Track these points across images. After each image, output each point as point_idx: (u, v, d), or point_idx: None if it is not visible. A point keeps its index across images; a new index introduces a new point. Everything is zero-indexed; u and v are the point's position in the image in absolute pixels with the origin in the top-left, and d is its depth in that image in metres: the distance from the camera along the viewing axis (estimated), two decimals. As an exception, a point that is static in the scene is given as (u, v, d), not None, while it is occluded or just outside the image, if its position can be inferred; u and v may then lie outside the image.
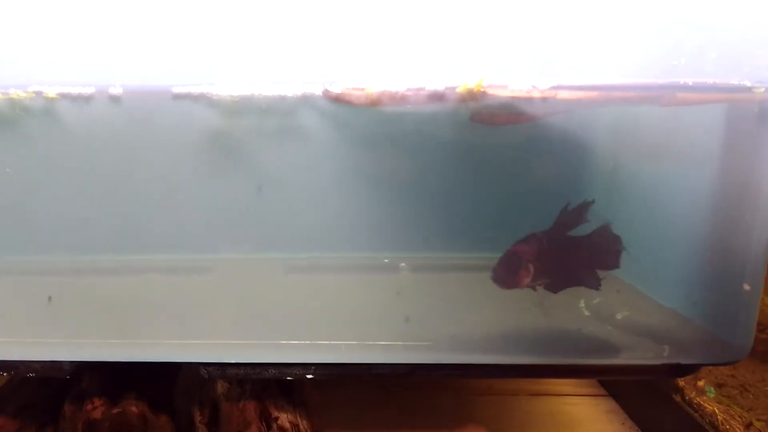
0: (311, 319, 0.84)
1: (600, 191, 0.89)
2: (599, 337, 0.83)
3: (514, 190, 0.91)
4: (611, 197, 0.89)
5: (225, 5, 0.74)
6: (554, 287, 0.81)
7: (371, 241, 0.93)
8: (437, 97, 0.74)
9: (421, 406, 1.10)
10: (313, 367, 0.81)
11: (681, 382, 1.05)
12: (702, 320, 0.82)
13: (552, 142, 0.85)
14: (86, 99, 0.73)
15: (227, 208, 0.87)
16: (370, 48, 0.76)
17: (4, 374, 0.87)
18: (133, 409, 0.85)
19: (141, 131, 0.78)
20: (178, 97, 0.73)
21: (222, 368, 0.81)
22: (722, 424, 0.97)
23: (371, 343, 0.80)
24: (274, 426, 0.81)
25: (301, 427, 0.83)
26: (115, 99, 0.73)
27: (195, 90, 0.73)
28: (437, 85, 0.73)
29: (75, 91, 0.73)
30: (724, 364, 0.85)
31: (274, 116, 0.76)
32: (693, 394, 1.04)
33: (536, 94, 0.73)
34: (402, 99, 0.74)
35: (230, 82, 0.73)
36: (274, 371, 0.81)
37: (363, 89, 0.73)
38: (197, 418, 0.90)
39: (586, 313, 0.84)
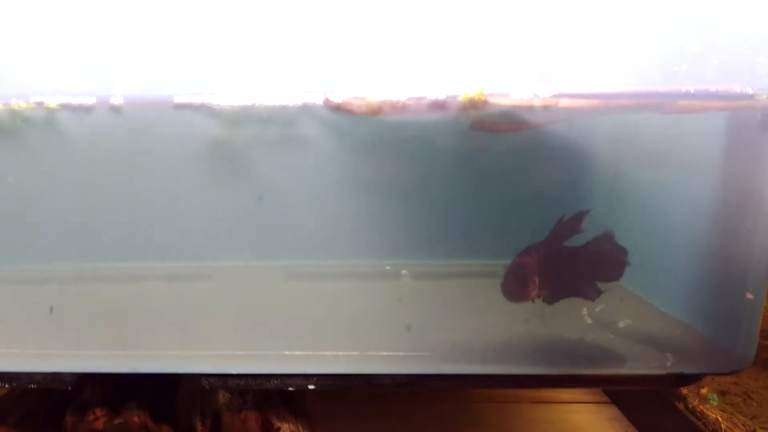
0: (313, 328, 0.84)
1: (601, 199, 0.89)
2: (602, 346, 0.83)
3: (515, 197, 0.91)
4: (612, 205, 0.89)
5: (225, 15, 0.74)
6: (551, 298, 0.81)
7: (373, 248, 0.93)
8: (438, 105, 0.73)
9: (422, 414, 1.10)
10: (314, 378, 0.80)
11: (684, 389, 1.05)
12: (705, 329, 0.81)
13: (553, 150, 0.84)
14: (87, 109, 0.73)
15: (228, 216, 0.87)
16: (371, 57, 0.76)
17: (5, 386, 0.87)
18: (135, 419, 0.85)
19: (142, 141, 0.78)
20: (179, 107, 0.73)
21: (224, 379, 0.81)
22: (726, 432, 0.97)
23: (372, 353, 0.80)
24: (276, 436, 0.81)
25: (302, 437, 0.83)
26: (116, 109, 0.73)
27: (196, 100, 0.73)
28: (438, 93, 0.73)
29: (76, 101, 0.73)
30: (728, 374, 0.84)
31: (275, 126, 0.76)
32: (696, 402, 1.04)
33: (537, 103, 0.73)
34: (403, 108, 0.74)
35: (231, 92, 0.73)
36: (276, 382, 0.81)
37: (364, 98, 0.73)
38: (199, 428, 0.90)
39: (589, 321, 0.84)
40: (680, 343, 0.82)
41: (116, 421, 0.84)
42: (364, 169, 0.84)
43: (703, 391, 1.06)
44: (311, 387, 0.81)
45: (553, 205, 0.87)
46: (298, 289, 0.92)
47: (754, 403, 1.08)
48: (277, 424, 0.84)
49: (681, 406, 1.04)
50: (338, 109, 0.73)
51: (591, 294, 0.80)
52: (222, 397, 0.90)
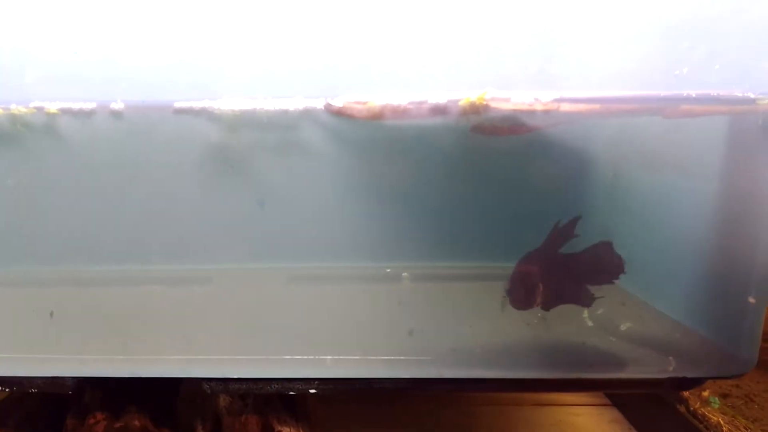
0: (313, 332, 0.84)
1: (602, 202, 0.89)
2: (603, 349, 0.83)
3: (516, 200, 0.91)
4: (614, 208, 0.89)
5: (226, 20, 0.74)
6: (547, 304, 0.81)
7: (373, 251, 0.92)
8: (439, 110, 0.73)
9: (424, 417, 1.10)
10: (315, 382, 0.80)
11: (685, 392, 1.05)
12: (707, 333, 0.81)
13: (554, 153, 0.84)
14: (88, 114, 0.73)
15: (229, 220, 0.87)
16: (372, 61, 0.75)
17: (6, 390, 0.86)
18: (136, 423, 0.85)
19: (142, 145, 0.78)
20: (179, 111, 0.73)
21: (224, 383, 0.81)
22: (727, 435, 0.97)
23: (373, 357, 0.80)
24: (277, 440, 0.81)
25: (303, 441, 0.83)
26: (116, 114, 0.73)
27: (196, 105, 0.73)
28: (439, 98, 0.73)
29: (76, 106, 0.73)
30: (730, 377, 0.84)
31: (276, 130, 0.76)
32: (697, 405, 1.04)
33: (539, 107, 0.73)
34: (404, 112, 0.74)
35: (231, 97, 0.73)
36: (276, 386, 0.80)
37: (365, 103, 0.73)
38: (199, 431, 0.90)
39: (590, 324, 0.84)
40: (682, 347, 0.82)
41: (117, 425, 0.84)
42: (365, 173, 0.84)
43: (705, 394, 1.06)
44: (312, 391, 0.81)
45: (554, 208, 0.87)
46: (298, 292, 0.92)
47: (756, 406, 1.07)
48: (278, 427, 0.84)
49: (682, 409, 1.04)
50: (339, 113, 0.73)
51: (586, 300, 0.80)
52: (222, 400, 0.90)
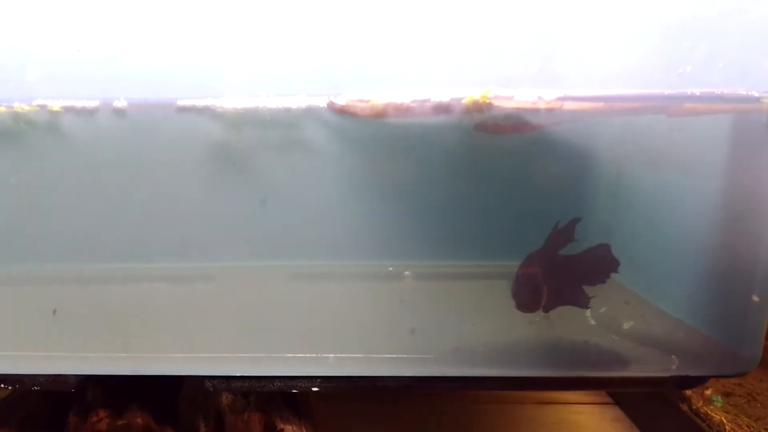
0: (315, 330, 0.84)
1: (605, 201, 0.89)
2: (606, 348, 0.82)
3: (519, 199, 0.91)
4: (617, 207, 0.88)
5: (229, 18, 0.74)
6: (547, 306, 0.81)
7: (375, 249, 0.92)
8: (442, 108, 0.73)
9: (427, 415, 1.10)
10: (318, 380, 0.80)
11: (688, 391, 1.05)
12: (710, 331, 0.81)
13: (557, 152, 0.84)
14: (90, 112, 0.73)
15: (232, 218, 0.87)
16: (375, 59, 0.75)
17: (8, 388, 0.87)
18: (138, 420, 0.85)
19: (145, 143, 0.78)
20: (182, 109, 0.73)
21: (227, 381, 0.81)
22: (730, 434, 0.97)
23: (376, 355, 0.80)
24: (279, 438, 0.81)
25: (306, 439, 0.83)
26: (119, 112, 0.73)
27: (199, 102, 0.73)
28: (442, 96, 0.72)
29: (79, 104, 0.73)
30: (733, 376, 0.84)
31: (279, 128, 0.76)
32: (700, 404, 1.04)
33: (542, 105, 0.73)
34: (407, 110, 0.73)
35: (234, 95, 0.73)
36: (279, 384, 0.80)
37: (368, 101, 0.73)
38: (202, 429, 0.90)
39: (593, 323, 0.84)
40: (685, 346, 0.82)
41: (119, 423, 0.84)
42: (367, 171, 0.84)
43: (708, 392, 1.06)
44: (315, 389, 0.81)
45: (557, 206, 0.87)
46: (301, 290, 0.92)
47: (759, 405, 1.07)
48: (280, 425, 0.84)
49: (685, 408, 1.04)
50: (342, 111, 0.73)
51: (583, 302, 0.80)
52: (225, 398, 0.90)
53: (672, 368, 0.80)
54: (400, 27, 0.75)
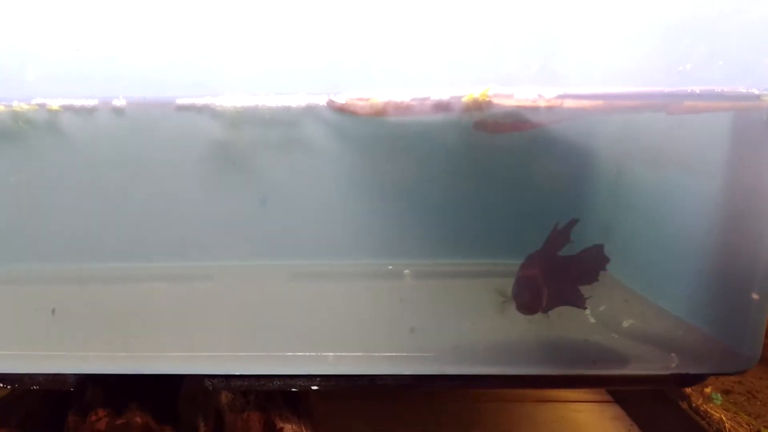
0: (315, 329, 0.84)
1: (605, 199, 0.89)
2: (606, 346, 0.82)
3: (518, 197, 0.91)
4: (617, 205, 0.89)
5: (228, 16, 0.73)
6: (547, 307, 0.80)
7: (375, 248, 0.92)
8: (442, 106, 0.73)
9: (426, 413, 1.10)
10: (317, 379, 0.80)
11: (688, 389, 1.05)
12: (710, 329, 0.81)
13: (557, 150, 0.84)
14: (89, 111, 0.73)
15: (232, 217, 0.87)
16: (375, 58, 0.75)
17: (8, 387, 0.87)
18: (137, 419, 0.85)
19: (144, 142, 0.77)
20: (181, 108, 0.73)
21: (226, 380, 0.80)
22: (729, 431, 0.97)
23: (375, 354, 0.80)
24: (279, 436, 0.81)
25: (306, 437, 0.83)
26: (118, 111, 0.73)
27: (199, 101, 0.72)
28: (442, 94, 0.72)
29: (78, 103, 0.72)
30: (733, 374, 0.84)
31: (278, 127, 0.75)
32: (700, 401, 1.04)
33: (542, 103, 0.73)
34: (406, 109, 0.73)
35: (234, 93, 0.73)
36: (278, 383, 0.80)
37: (367, 99, 0.73)
38: (201, 428, 0.90)
39: (593, 321, 0.84)
40: (685, 343, 0.82)
41: (118, 422, 0.84)
42: (367, 169, 0.84)
43: (707, 390, 1.06)
44: (314, 387, 0.81)
45: (557, 205, 0.87)
46: (300, 289, 0.92)
47: (759, 402, 1.07)
48: (280, 424, 0.84)
49: (685, 405, 1.04)
50: (342, 110, 0.73)
51: (581, 302, 0.80)
52: (224, 397, 0.90)
53: (672, 366, 0.80)
54: (400, 25, 0.75)
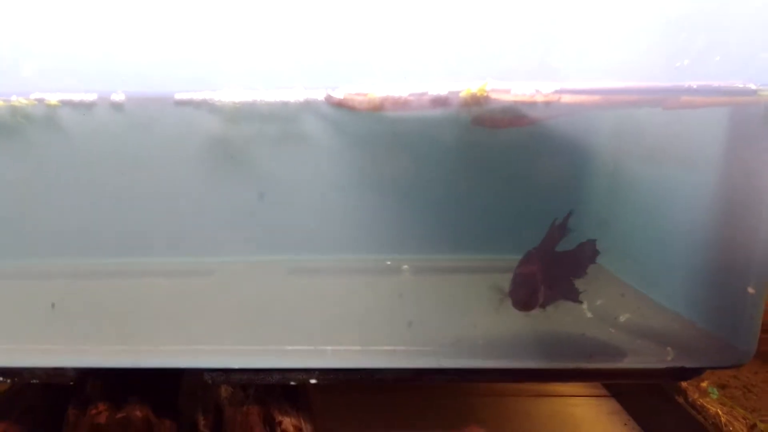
0: (314, 323, 0.84)
1: (602, 193, 0.89)
2: (603, 340, 0.83)
3: (516, 192, 0.91)
4: (614, 200, 0.89)
5: (226, 12, 0.73)
6: (543, 303, 0.81)
7: (373, 243, 0.93)
8: (440, 101, 0.73)
9: (423, 407, 1.10)
10: (316, 372, 0.81)
11: (684, 383, 1.05)
12: (706, 323, 0.82)
13: (554, 146, 0.84)
14: (88, 106, 0.73)
15: (230, 212, 0.87)
16: (373, 53, 0.75)
17: (7, 381, 0.87)
18: (137, 413, 0.85)
19: (143, 137, 0.78)
20: (180, 103, 0.73)
21: (226, 374, 0.81)
22: (726, 425, 0.97)
23: (374, 348, 0.80)
24: (278, 430, 0.81)
25: (304, 430, 0.83)
26: (117, 106, 0.73)
27: (197, 96, 0.73)
28: (440, 89, 0.72)
29: (77, 97, 0.72)
30: (729, 368, 0.85)
31: (277, 122, 0.76)
32: (696, 396, 1.04)
33: (540, 98, 0.73)
34: (405, 104, 0.74)
35: (232, 88, 0.73)
36: (277, 376, 0.81)
37: (366, 94, 0.73)
38: (201, 422, 0.90)
39: (589, 315, 0.84)
40: (681, 337, 0.82)
41: (118, 416, 0.84)
42: (365, 164, 0.84)
43: (703, 384, 1.06)
44: (313, 381, 0.82)
45: (554, 200, 0.87)
46: (299, 284, 0.92)
47: (754, 397, 1.08)
48: (279, 418, 0.84)
49: (681, 400, 1.04)
50: (340, 105, 0.73)
51: (574, 296, 0.81)
52: (224, 391, 0.90)
53: (668, 360, 0.80)
54: (398, 20, 0.75)
